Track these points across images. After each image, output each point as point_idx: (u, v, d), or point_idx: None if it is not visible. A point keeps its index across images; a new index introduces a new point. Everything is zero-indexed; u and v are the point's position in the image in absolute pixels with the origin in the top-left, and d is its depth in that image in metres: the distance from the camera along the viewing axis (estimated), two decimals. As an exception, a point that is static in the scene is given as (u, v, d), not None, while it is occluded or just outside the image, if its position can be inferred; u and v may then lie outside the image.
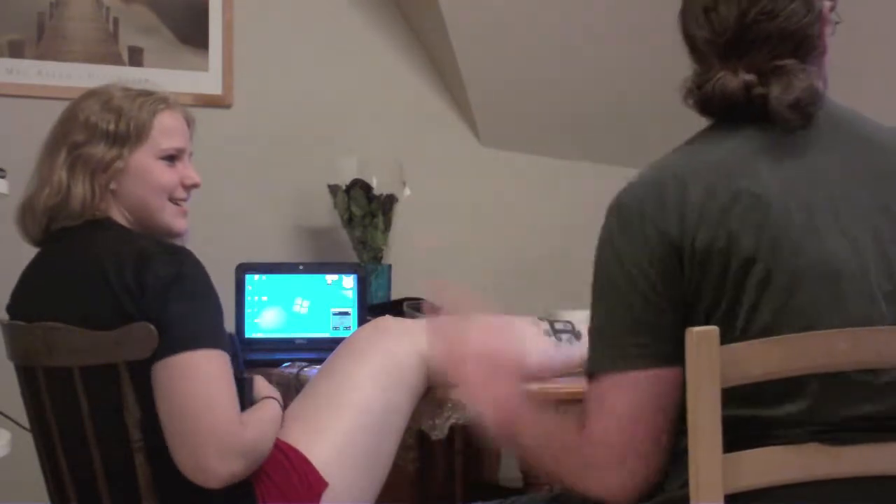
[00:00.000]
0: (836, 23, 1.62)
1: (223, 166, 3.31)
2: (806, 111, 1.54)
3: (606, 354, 1.54)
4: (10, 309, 2.12)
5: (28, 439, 2.14)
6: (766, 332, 1.47)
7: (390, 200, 3.41)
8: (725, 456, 1.44)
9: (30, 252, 2.13)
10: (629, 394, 1.52)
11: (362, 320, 2.94)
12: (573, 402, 2.79)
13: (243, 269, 3.02)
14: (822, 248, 1.50)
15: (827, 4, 1.60)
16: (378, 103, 3.66)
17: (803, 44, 1.56)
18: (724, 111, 1.57)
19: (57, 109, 2.15)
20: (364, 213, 3.37)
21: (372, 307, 3.12)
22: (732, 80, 1.54)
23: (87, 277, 1.96)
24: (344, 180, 3.39)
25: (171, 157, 2.10)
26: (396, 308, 3.09)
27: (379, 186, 3.40)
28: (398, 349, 2.23)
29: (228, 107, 3.44)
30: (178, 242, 2.10)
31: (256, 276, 3.02)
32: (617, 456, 1.52)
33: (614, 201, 1.58)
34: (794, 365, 1.45)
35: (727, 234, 1.49)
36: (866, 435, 1.49)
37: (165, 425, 1.91)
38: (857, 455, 1.49)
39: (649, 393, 1.52)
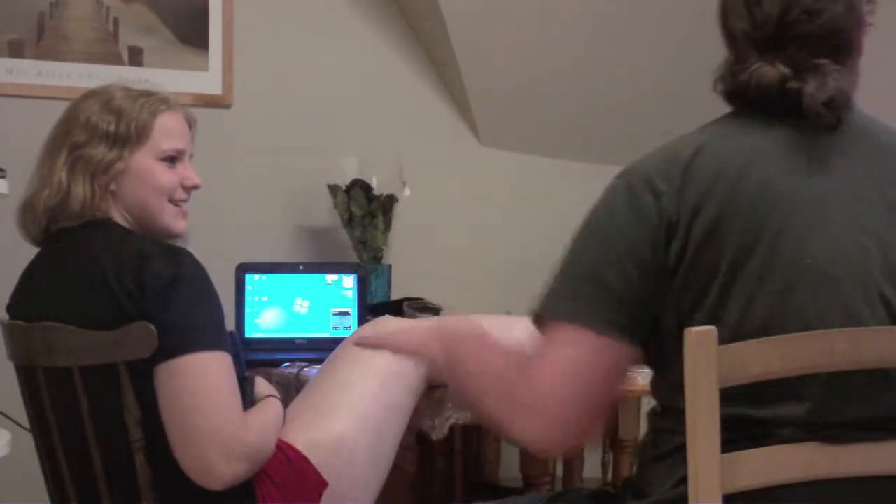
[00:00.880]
0: (869, 24, 1.62)
1: (223, 166, 3.31)
2: (838, 111, 1.54)
3: (570, 304, 1.54)
4: (10, 309, 2.12)
5: (28, 439, 2.14)
6: (762, 327, 1.47)
7: (390, 200, 3.41)
8: (724, 456, 1.44)
9: (30, 252, 2.13)
10: (581, 352, 1.52)
11: (362, 320, 2.94)
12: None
13: (243, 269, 3.02)
14: (826, 248, 1.50)
15: (867, 8, 1.60)
16: (378, 103, 3.66)
17: (842, 45, 1.56)
18: (754, 102, 1.57)
19: (57, 109, 2.15)
20: (364, 213, 3.37)
21: (372, 307, 3.12)
22: (770, 71, 1.54)
23: (86, 278, 1.96)
24: (344, 180, 3.39)
25: (172, 159, 2.10)
26: (396, 308, 3.09)
27: (379, 186, 3.40)
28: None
29: (228, 107, 3.44)
30: (178, 243, 2.10)
31: (256, 276, 3.02)
32: (550, 407, 1.52)
33: (625, 169, 1.58)
34: (793, 365, 1.45)
35: (729, 220, 1.49)
36: (866, 434, 1.49)
37: (168, 427, 1.91)
38: (857, 455, 1.49)
39: (601, 359, 1.52)
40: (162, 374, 1.91)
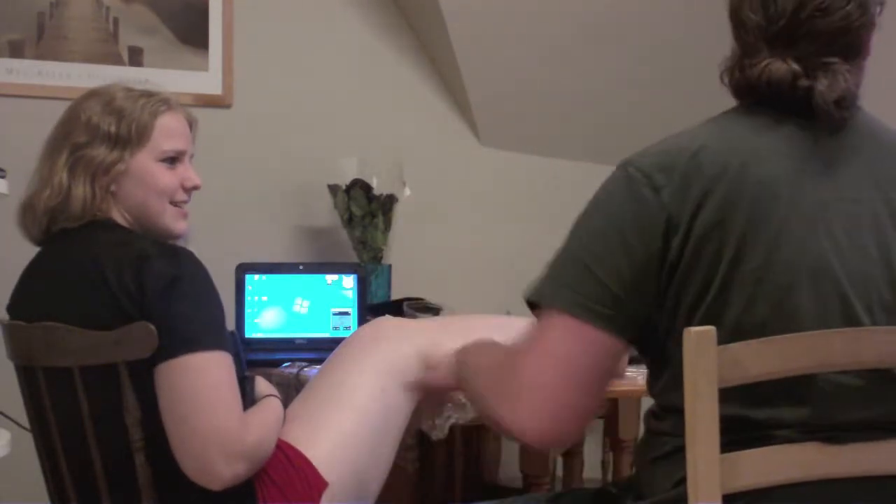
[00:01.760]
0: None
1: (223, 166, 3.31)
2: (846, 111, 1.54)
3: (559, 291, 1.53)
4: (10, 309, 2.12)
5: (28, 439, 2.14)
6: (761, 328, 1.47)
7: (390, 200, 3.41)
8: (723, 456, 1.43)
9: (30, 252, 2.13)
10: (568, 340, 1.52)
11: (362, 320, 2.94)
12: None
13: (243, 269, 3.02)
14: (826, 250, 1.50)
15: (877, 10, 1.59)
16: (378, 103, 3.66)
17: (851, 45, 1.56)
18: (761, 97, 1.56)
19: (57, 109, 2.15)
20: (364, 213, 3.37)
21: (372, 307, 3.12)
22: (781, 66, 1.53)
23: (86, 278, 1.96)
24: (344, 180, 3.39)
25: (172, 159, 2.10)
26: (396, 308, 3.09)
27: (379, 186, 3.40)
28: (398, 349, 2.23)
29: (228, 107, 3.44)
30: (179, 243, 2.10)
31: (256, 276, 3.02)
32: (536, 394, 1.52)
33: (626, 160, 1.57)
34: (792, 365, 1.45)
35: (729, 219, 1.49)
36: (865, 435, 1.49)
37: (168, 427, 1.91)
38: (857, 455, 1.49)
39: (587, 347, 1.52)
40: (162, 374, 1.91)
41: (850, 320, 1.49)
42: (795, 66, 1.53)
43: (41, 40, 3.23)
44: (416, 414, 2.27)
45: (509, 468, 3.47)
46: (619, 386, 2.51)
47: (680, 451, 1.46)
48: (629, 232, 1.51)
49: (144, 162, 2.07)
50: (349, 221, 3.40)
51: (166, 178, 2.09)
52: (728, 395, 1.44)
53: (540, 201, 3.79)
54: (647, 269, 1.51)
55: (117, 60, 3.30)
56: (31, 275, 2.11)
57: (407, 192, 3.44)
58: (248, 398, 2.04)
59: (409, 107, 3.71)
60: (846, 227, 1.52)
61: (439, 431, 2.37)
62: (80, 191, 2.04)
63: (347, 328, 2.99)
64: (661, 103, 3.60)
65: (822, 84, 1.52)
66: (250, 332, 2.99)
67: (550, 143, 3.81)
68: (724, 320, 1.48)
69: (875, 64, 1.62)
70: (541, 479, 2.70)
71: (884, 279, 1.51)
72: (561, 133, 3.81)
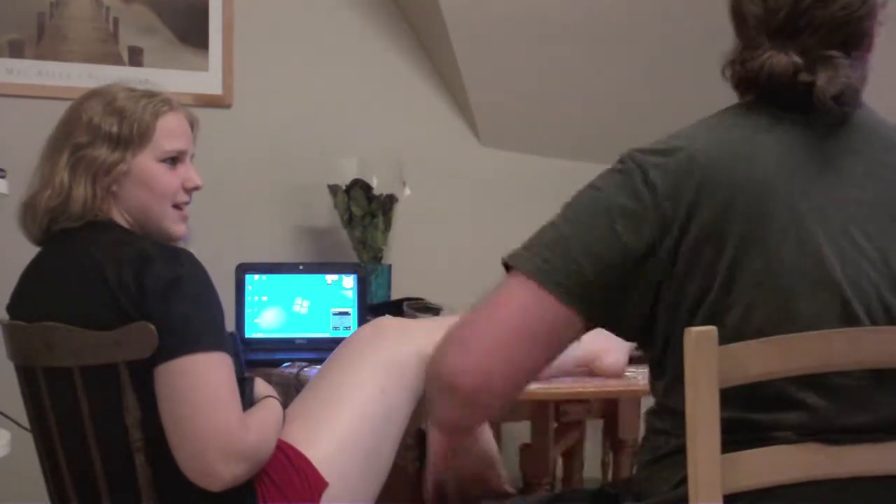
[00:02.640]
0: (880, 23, 1.61)
1: (223, 166, 3.31)
2: (846, 107, 1.54)
3: (530, 260, 1.53)
4: (11, 309, 2.12)
5: (28, 439, 2.14)
6: (761, 330, 1.47)
7: (390, 200, 3.41)
8: (724, 456, 1.43)
9: (30, 252, 2.13)
10: (525, 302, 1.51)
11: (362, 320, 2.94)
12: (573, 402, 2.81)
13: (243, 269, 3.02)
14: (826, 252, 1.49)
15: (879, 2, 1.58)
16: (378, 103, 3.66)
17: (853, 37, 1.55)
18: (763, 90, 1.56)
19: (57, 109, 2.15)
20: (364, 213, 3.37)
21: (372, 307, 3.12)
22: (782, 59, 1.52)
23: (86, 279, 1.96)
24: (344, 180, 3.39)
25: (173, 160, 2.10)
26: (396, 308, 3.09)
27: (379, 186, 3.40)
28: (398, 349, 2.23)
29: (228, 107, 3.44)
30: (179, 243, 2.10)
31: (256, 276, 3.02)
32: (479, 344, 1.52)
33: (625, 153, 1.57)
34: (792, 365, 1.45)
35: (728, 220, 1.48)
36: (866, 436, 1.49)
37: (168, 428, 1.91)
38: (857, 455, 1.48)
39: (542, 313, 1.51)
40: (162, 374, 1.91)
41: (850, 321, 1.48)
42: (797, 59, 1.52)
43: (41, 40, 3.23)
44: (416, 414, 2.27)
45: (509, 468, 3.47)
46: (619, 386, 2.51)
47: (680, 451, 1.46)
48: (618, 220, 1.51)
49: (146, 162, 2.07)
50: (349, 221, 3.40)
51: (167, 178, 2.09)
52: (729, 399, 1.44)
53: (540, 201, 3.77)
54: (625, 262, 1.50)
55: (117, 60, 3.30)
56: (32, 275, 2.11)
57: (407, 192, 3.44)
58: (248, 399, 2.04)
59: (409, 107, 3.71)
60: (846, 228, 1.51)
61: None
62: (81, 191, 2.04)
63: (347, 328, 2.99)
64: (661, 103, 3.60)
65: (822, 79, 1.51)
66: (250, 332, 2.99)
67: (550, 143, 3.81)
68: (724, 322, 1.47)
69: (875, 64, 1.62)
70: (541, 479, 2.70)
71: (884, 280, 1.51)
72: (561, 133, 3.81)
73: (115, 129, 2.05)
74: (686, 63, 3.50)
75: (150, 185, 2.07)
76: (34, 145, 2.14)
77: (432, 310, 3.12)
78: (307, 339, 3.01)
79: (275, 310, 3.02)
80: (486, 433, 1.81)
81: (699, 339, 1.43)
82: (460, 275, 3.67)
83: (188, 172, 2.12)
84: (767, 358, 1.45)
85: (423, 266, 3.61)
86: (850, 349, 1.46)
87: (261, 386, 2.14)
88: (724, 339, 1.44)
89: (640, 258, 1.50)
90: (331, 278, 3.06)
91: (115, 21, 3.31)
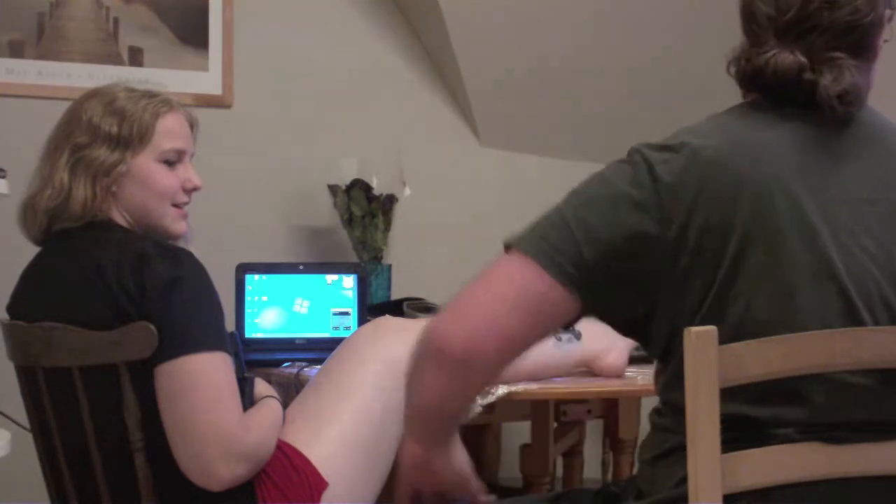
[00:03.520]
0: (885, 41, 1.62)
1: (223, 166, 3.31)
2: (850, 107, 1.54)
3: (533, 241, 1.54)
4: (11, 309, 2.12)
5: (28, 439, 2.14)
6: (762, 329, 1.47)
7: (390, 200, 3.41)
8: (724, 456, 1.43)
9: (30, 252, 2.13)
10: (522, 276, 1.52)
11: (362, 320, 2.94)
12: (573, 402, 2.81)
13: (243, 269, 3.02)
14: (829, 250, 1.50)
15: (887, 13, 1.60)
16: (378, 103, 3.66)
17: (860, 42, 1.56)
18: (767, 88, 1.57)
19: (57, 109, 2.15)
20: (364, 213, 3.37)
21: (372, 307, 3.12)
22: (788, 57, 1.54)
23: (86, 279, 1.96)
24: (344, 180, 3.39)
25: (173, 160, 2.10)
26: (396, 308, 3.09)
27: (379, 186, 3.40)
28: (398, 349, 2.22)
29: (228, 107, 3.44)
30: (179, 243, 2.10)
31: (256, 276, 3.02)
32: (471, 313, 1.53)
33: (636, 146, 1.57)
34: (793, 365, 1.45)
35: (731, 218, 1.49)
36: (866, 435, 1.49)
37: (168, 428, 1.91)
38: (857, 455, 1.49)
39: (536, 287, 1.51)
40: (162, 374, 1.91)
41: (852, 319, 1.49)
42: (802, 59, 1.53)
43: (41, 40, 3.23)
44: (417, 414, 2.27)
45: (509, 468, 3.47)
46: (619, 386, 2.52)
47: (681, 449, 1.46)
48: (622, 207, 1.51)
49: (145, 163, 2.07)
50: (349, 221, 3.40)
51: (167, 179, 2.09)
52: (729, 394, 1.44)
53: (540, 201, 3.77)
54: (626, 249, 1.51)
55: (117, 60, 3.30)
56: (32, 275, 2.11)
57: (407, 192, 3.44)
58: (248, 399, 2.05)
59: (409, 107, 3.71)
60: (849, 226, 1.52)
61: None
62: (81, 191, 2.04)
63: (347, 328, 2.99)
64: (662, 104, 3.60)
65: (826, 78, 1.53)
66: (250, 332, 2.99)
67: (550, 143, 3.81)
68: (726, 319, 1.48)
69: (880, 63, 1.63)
70: (541, 479, 2.70)
71: (886, 278, 1.51)
72: (561, 133, 3.80)
73: (115, 129, 2.05)
74: (689, 64, 3.50)
75: (150, 186, 2.07)
76: (34, 145, 2.14)
77: (432, 310, 3.12)
78: (307, 339, 3.00)
79: (275, 310, 3.02)
80: (460, 450, 1.82)
81: (699, 339, 1.43)
82: (460, 275, 3.67)
83: (188, 173, 2.12)
84: (768, 357, 1.45)
85: (423, 266, 3.61)
86: (850, 349, 1.46)
87: (260, 386, 2.14)
88: (726, 335, 1.44)
89: (641, 247, 1.51)
90: (331, 278, 3.06)
91: (115, 21, 3.31)
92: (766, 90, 1.57)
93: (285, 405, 2.15)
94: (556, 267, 1.51)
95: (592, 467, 3.39)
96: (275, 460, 2.00)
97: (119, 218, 2.08)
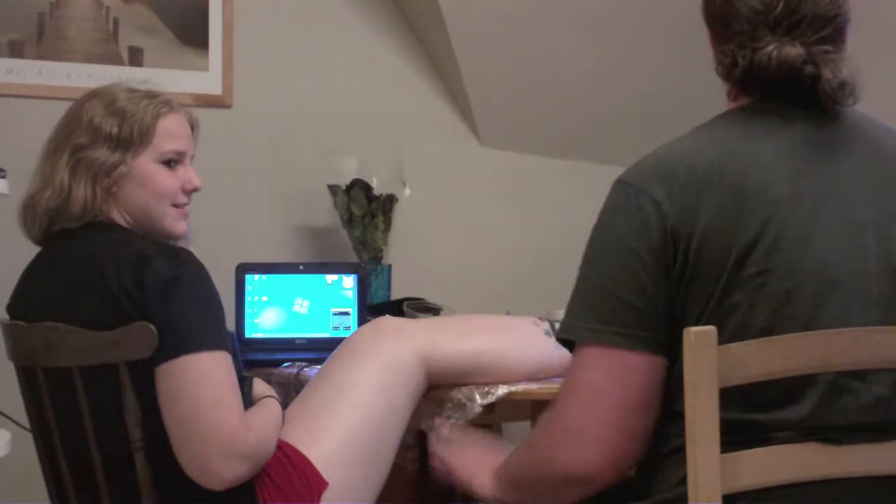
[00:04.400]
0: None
1: (223, 166, 3.31)
2: (848, 99, 1.55)
3: (590, 325, 1.53)
4: (11, 309, 2.12)
5: (28, 439, 2.14)
6: (763, 332, 1.47)
7: (390, 200, 3.41)
8: (723, 456, 1.44)
9: (30, 252, 2.13)
10: (609, 372, 1.52)
11: (362, 320, 2.94)
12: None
13: (243, 269, 3.02)
14: (825, 251, 1.50)
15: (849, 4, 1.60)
16: (378, 103, 3.66)
17: (836, 33, 1.57)
18: (769, 85, 1.56)
19: (57, 109, 2.15)
20: (364, 213, 3.37)
21: (372, 307, 3.12)
22: (790, 49, 1.54)
23: (86, 279, 1.96)
24: (344, 180, 3.39)
25: (173, 161, 2.10)
26: (396, 308, 3.09)
27: (379, 186, 3.40)
28: (398, 349, 2.23)
29: (228, 107, 3.44)
30: (179, 243, 2.10)
31: (256, 276, 3.02)
32: (585, 433, 1.52)
33: (622, 176, 1.57)
34: (792, 365, 1.45)
35: (729, 225, 1.49)
36: (866, 436, 1.49)
37: (169, 428, 1.91)
38: (857, 455, 1.49)
39: (630, 375, 1.51)
40: (162, 374, 1.91)
41: (851, 320, 1.49)
42: (801, 50, 1.54)
43: (41, 40, 3.23)
44: (416, 414, 2.28)
45: (509, 468, 3.47)
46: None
47: (681, 450, 1.46)
48: (640, 247, 1.51)
49: (145, 164, 2.07)
50: (349, 221, 3.40)
51: (167, 180, 2.09)
52: (728, 399, 1.44)
53: (540, 201, 3.79)
54: (662, 280, 1.51)
55: (117, 60, 3.30)
56: (32, 275, 2.11)
57: (407, 192, 3.44)
58: (246, 399, 2.05)
59: (409, 107, 3.71)
60: (845, 228, 1.52)
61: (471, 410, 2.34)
62: (81, 192, 2.04)
63: (347, 328, 2.99)
64: (661, 104, 3.60)
65: (826, 71, 1.53)
66: (250, 332, 2.99)
67: (550, 143, 3.81)
68: (726, 324, 1.48)
69: (876, 63, 1.62)
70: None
71: (883, 276, 1.51)
72: (561, 133, 3.80)
73: (115, 130, 2.05)
74: (687, 65, 3.49)
75: (150, 187, 2.07)
76: (34, 145, 2.14)
77: (432, 310, 3.12)
78: (307, 339, 3.00)
79: (275, 310, 3.02)
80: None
81: (699, 339, 1.43)
82: (460, 275, 3.68)
83: (188, 174, 2.12)
84: (767, 358, 1.45)
85: (423, 266, 3.61)
86: (850, 349, 1.47)
87: (260, 386, 2.14)
88: (727, 340, 1.44)
89: (667, 273, 1.51)
90: (331, 278, 3.06)
91: (115, 21, 3.31)
92: (766, 87, 1.57)
93: (285, 405, 2.15)
94: (633, 339, 1.51)
95: (592, 467, 3.38)
96: (275, 460, 2.01)
97: (119, 218, 2.08)
